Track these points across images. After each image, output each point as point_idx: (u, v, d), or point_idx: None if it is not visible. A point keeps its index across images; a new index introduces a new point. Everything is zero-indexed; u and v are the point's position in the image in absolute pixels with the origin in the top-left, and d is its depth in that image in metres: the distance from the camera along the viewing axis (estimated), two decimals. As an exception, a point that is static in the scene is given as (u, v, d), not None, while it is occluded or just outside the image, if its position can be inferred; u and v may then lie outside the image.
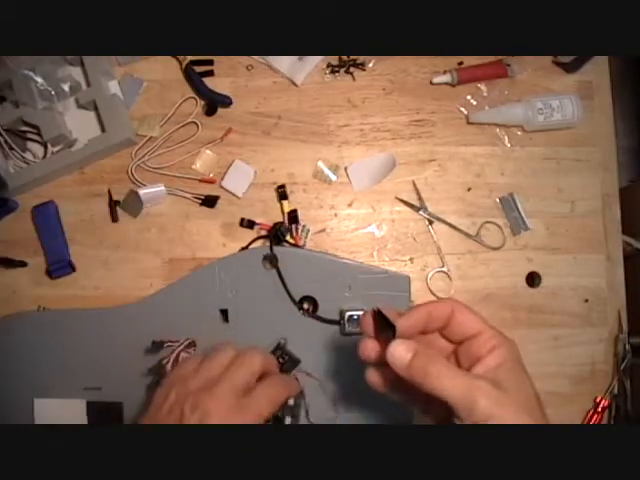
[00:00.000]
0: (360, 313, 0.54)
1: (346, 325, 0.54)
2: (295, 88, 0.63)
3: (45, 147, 0.60)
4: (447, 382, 0.33)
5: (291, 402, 0.51)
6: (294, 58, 0.62)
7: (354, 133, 0.62)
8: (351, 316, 0.54)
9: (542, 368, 0.59)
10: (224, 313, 0.56)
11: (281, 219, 0.60)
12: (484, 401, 0.33)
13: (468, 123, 0.62)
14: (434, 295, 0.60)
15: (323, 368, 0.55)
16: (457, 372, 0.34)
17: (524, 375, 0.36)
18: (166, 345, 0.53)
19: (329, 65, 0.63)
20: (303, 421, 0.53)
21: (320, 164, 0.61)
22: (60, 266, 0.59)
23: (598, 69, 0.63)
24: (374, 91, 0.63)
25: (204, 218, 0.61)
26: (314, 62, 0.62)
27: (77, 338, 0.57)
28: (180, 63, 0.62)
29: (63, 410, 0.56)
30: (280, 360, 0.54)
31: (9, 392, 0.56)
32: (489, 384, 0.33)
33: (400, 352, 0.34)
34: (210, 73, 0.62)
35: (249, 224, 0.60)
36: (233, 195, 0.61)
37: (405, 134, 0.62)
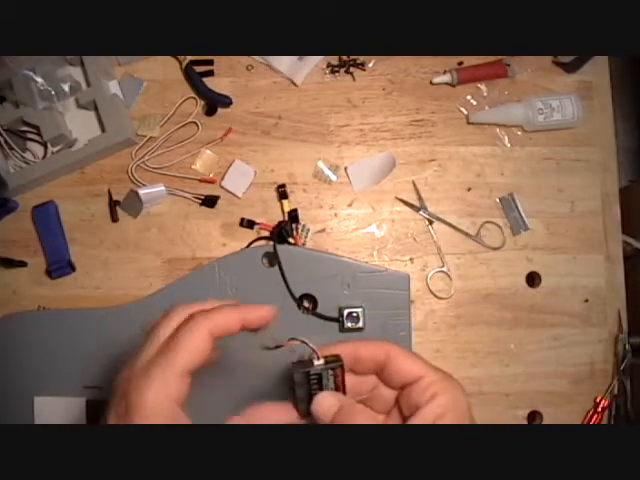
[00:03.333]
0: (360, 310, 0.55)
1: (345, 322, 0.55)
2: (295, 88, 0.63)
3: (45, 147, 0.60)
4: None
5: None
6: (294, 58, 0.62)
7: (354, 133, 0.62)
8: (350, 313, 0.55)
9: (542, 368, 0.59)
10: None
11: (281, 219, 0.60)
12: None
13: (468, 123, 0.62)
14: (434, 295, 0.60)
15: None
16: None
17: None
18: None
19: (329, 65, 0.63)
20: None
21: (320, 164, 0.61)
22: (60, 266, 0.59)
23: (598, 69, 0.63)
24: (374, 91, 0.63)
25: (204, 218, 0.61)
26: (314, 62, 0.62)
27: (77, 338, 0.57)
28: (180, 63, 0.62)
29: (63, 409, 0.56)
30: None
31: (9, 391, 0.57)
32: None
33: (325, 405, 0.33)
34: (210, 73, 0.62)
35: (249, 224, 0.60)
36: (233, 195, 0.61)
37: (405, 134, 0.62)
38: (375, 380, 0.36)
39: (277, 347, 0.36)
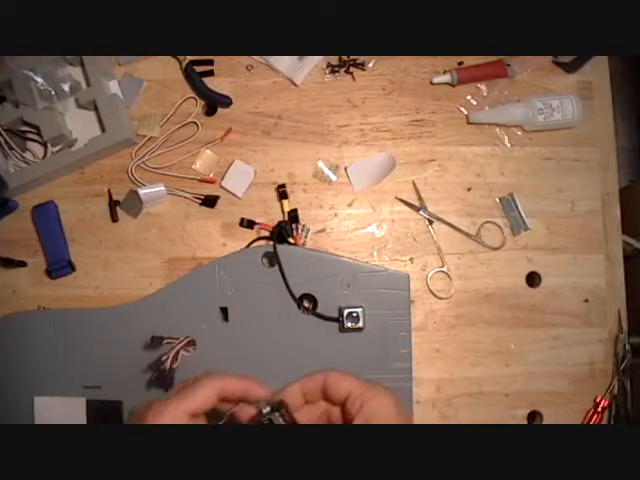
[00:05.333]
0: (360, 310, 0.55)
1: (345, 322, 0.55)
2: (295, 88, 0.63)
3: (45, 147, 0.60)
4: None
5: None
6: (294, 58, 0.62)
7: (354, 133, 0.62)
8: (350, 313, 0.55)
9: (542, 368, 0.59)
10: (224, 311, 0.56)
11: (281, 219, 0.60)
12: None
13: (468, 123, 0.62)
14: (434, 295, 0.60)
15: (322, 364, 0.55)
16: None
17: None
18: (165, 342, 0.53)
19: (329, 65, 0.63)
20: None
21: (320, 164, 0.61)
22: (60, 266, 0.59)
23: (598, 69, 0.63)
24: (374, 91, 0.63)
25: (204, 218, 0.61)
26: (314, 62, 0.62)
27: (77, 338, 0.57)
28: (180, 63, 0.62)
29: (63, 408, 0.56)
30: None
31: (9, 391, 0.57)
32: None
33: None
34: (210, 73, 0.62)
35: (249, 224, 0.60)
36: (233, 195, 0.61)
37: (405, 134, 0.62)
38: (325, 405, 0.42)
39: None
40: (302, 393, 0.42)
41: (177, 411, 0.40)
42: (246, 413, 0.42)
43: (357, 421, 0.39)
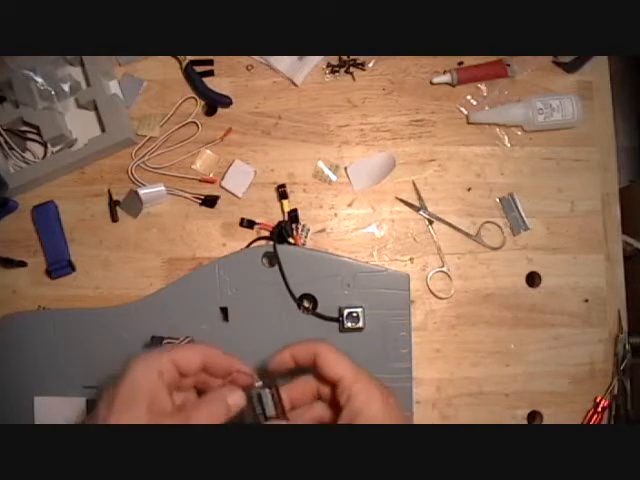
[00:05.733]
0: (360, 310, 0.55)
1: (345, 322, 0.55)
2: (295, 88, 0.63)
3: (45, 147, 0.60)
4: None
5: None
6: (294, 58, 0.62)
7: (354, 133, 0.62)
8: (350, 313, 0.55)
9: (542, 368, 0.59)
10: (224, 311, 0.56)
11: (281, 219, 0.60)
12: None
13: (468, 123, 0.62)
14: (434, 295, 0.60)
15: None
16: None
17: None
18: (165, 342, 0.53)
19: (329, 65, 0.63)
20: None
21: (320, 164, 0.61)
22: (60, 266, 0.59)
23: (598, 69, 0.63)
24: (374, 91, 0.63)
25: (204, 218, 0.61)
26: (314, 62, 0.62)
27: (77, 338, 0.57)
28: (180, 63, 0.62)
29: (63, 408, 0.56)
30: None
31: (9, 391, 0.57)
32: None
33: None
34: (210, 73, 0.62)
35: (249, 224, 0.60)
36: (233, 195, 0.61)
37: (405, 134, 0.62)
38: (316, 386, 0.43)
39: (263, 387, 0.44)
40: (292, 357, 0.43)
41: (162, 359, 0.39)
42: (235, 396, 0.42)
43: (342, 415, 0.39)
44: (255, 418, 0.43)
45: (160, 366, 0.39)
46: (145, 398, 0.38)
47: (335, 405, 0.42)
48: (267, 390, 0.42)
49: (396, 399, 0.41)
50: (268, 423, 0.42)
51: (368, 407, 0.39)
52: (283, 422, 0.42)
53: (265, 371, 0.45)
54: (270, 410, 0.42)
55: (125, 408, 0.37)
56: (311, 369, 0.43)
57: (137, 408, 0.37)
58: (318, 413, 0.44)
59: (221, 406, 0.40)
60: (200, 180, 0.61)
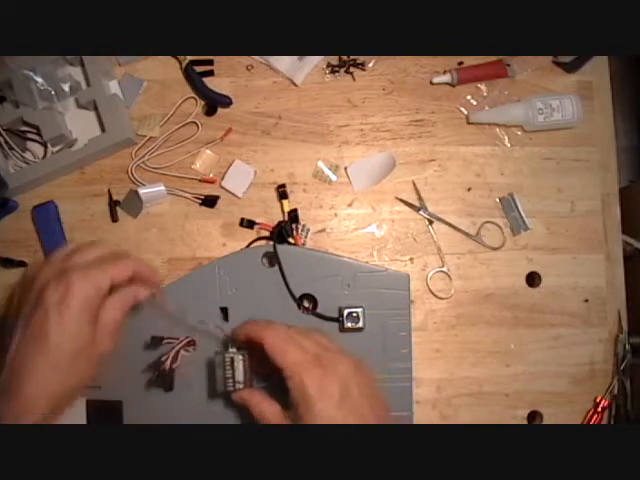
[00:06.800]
0: (360, 310, 0.55)
1: (345, 322, 0.55)
2: (295, 88, 0.63)
3: (45, 147, 0.60)
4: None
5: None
6: (294, 58, 0.62)
7: (354, 133, 0.62)
8: (350, 313, 0.55)
9: (542, 368, 0.59)
10: (224, 311, 0.56)
11: (281, 219, 0.60)
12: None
13: (468, 123, 0.62)
14: (434, 295, 0.60)
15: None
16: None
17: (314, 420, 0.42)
18: (165, 342, 0.53)
19: (329, 65, 0.63)
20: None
21: (320, 164, 0.61)
22: (60, 266, 0.59)
23: (598, 69, 0.63)
24: (374, 91, 0.63)
25: (204, 218, 0.61)
26: (314, 62, 0.62)
27: (77, 338, 0.56)
28: (180, 63, 0.62)
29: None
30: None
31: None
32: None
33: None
34: (210, 73, 0.62)
35: (249, 224, 0.60)
36: (233, 195, 0.61)
37: (405, 134, 0.62)
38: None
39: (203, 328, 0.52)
40: (246, 337, 0.47)
41: (100, 277, 0.44)
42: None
43: (290, 397, 0.43)
44: (225, 381, 0.47)
45: (99, 283, 0.44)
46: (88, 312, 0.43)
47: None
48: (240, 356, 0.47)
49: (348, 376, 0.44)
50: (235, 389, 0.47)
51: (303, 399, 0.42)
52: (245, 390, 0.47)
53: (236, 340, 0.49)
54: (239, 375, 0.47)
55: (74, 320, 0.42)
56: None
57: (82, 322, 0.43)
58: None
59: (129, 293, 0.47)
60: (200, 180, 0.61)
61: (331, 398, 0.42)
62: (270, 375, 0.50)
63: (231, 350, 0.48)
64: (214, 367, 0.48)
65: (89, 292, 0.43)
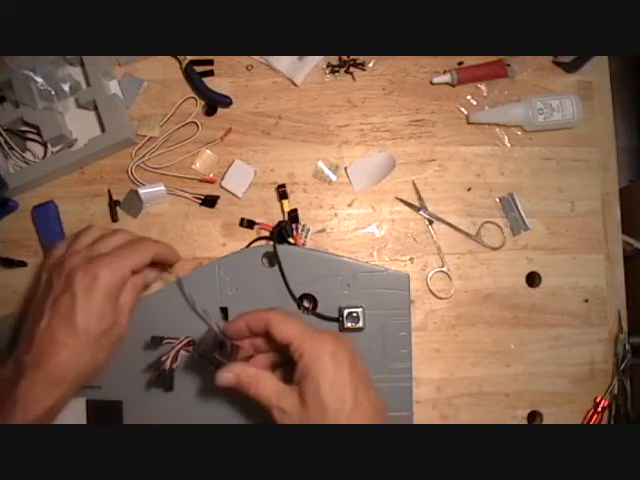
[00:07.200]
0: (360, 310, 0.55)
1: (345, 322, 0.55)
2: (295, 88, 0.63)
3: (45, 147, 0.60)
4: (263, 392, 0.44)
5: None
6: (294, 58, 0.62)
7: (354, 133, 0.62)
8: (350, 313, 0.55)
9: (542, 368, 0.59)
10: (224, 311, 0.56)
11: (281, 219, 0.60)
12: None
13: (468, 123, 0.62)
14: (434, 295, 0.60)
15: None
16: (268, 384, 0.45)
17: (325, 385, 0.42)
18: (165, 342, 0.53)
19: (329, 65, 0.63)
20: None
21: (320, 164, 0.61)
22: (60, 266, 0.59)
23: (598, 69, 0.63)
24: (374, 91, 0.63)
25: (204, 218, 0.61)
26: (314, 62, 0.62)
27: (77, 338, 0.56)
28: (180, 63, 0.62)
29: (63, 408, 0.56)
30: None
31: (9, 392, 0.56)
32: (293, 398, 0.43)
33: (225, 378, 0.46)
34: (210, 73, 0.62)
35: (249, 224, 0.60)
36: (233, 195, 0.61)
37: (405, 134, 0.62)
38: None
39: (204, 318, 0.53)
40: (246, 324, 0.47)
41: (125, 267, 0.48)
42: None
43: (297, 370, 0.43)
44: (211, 357, 0.47)
45: (122, 272, 0.48)
46: (111, 299, 0.47)
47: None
48: (230, 342, 0.48)
49: (352, 357, 0.45)
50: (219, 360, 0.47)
51: (315, 363, 0.42)
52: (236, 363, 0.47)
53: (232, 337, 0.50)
54: (224, 357, 0.47)
55: (99, 307, 0.46)
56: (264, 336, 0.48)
57: (107, 308, 0.47)
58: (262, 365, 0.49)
59: (140, 278, 0.52)
60: (200, 180, 0.61)
61: (343, 362, 0.43)
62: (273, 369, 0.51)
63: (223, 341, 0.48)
64: (201, 340, 0.50)
65: (114, 281, 0.47)
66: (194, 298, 0.55)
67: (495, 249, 0.61)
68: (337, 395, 0.42)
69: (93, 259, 0.47)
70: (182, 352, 0.53)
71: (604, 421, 0.59)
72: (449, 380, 0.59)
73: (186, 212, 0.61)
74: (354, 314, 0.55)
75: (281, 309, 0.48)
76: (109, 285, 0.47)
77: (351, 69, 0.63)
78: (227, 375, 0.46)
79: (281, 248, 0.57)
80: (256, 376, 0.45)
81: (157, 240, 0.54)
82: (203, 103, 0.62)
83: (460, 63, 0.63)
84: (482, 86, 0.63)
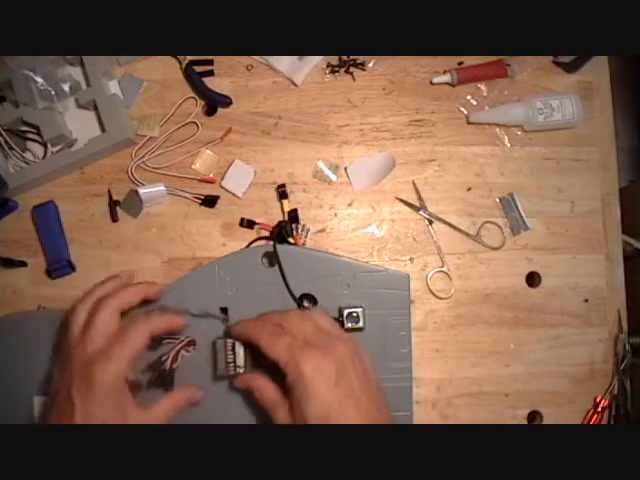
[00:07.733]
0: (360, 310, 0.55)
1: (345, 322, 0.55)
2: (295, 88, 0.63)
3: (45, 147, 0.60)
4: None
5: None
6: (294, 58, 0.62)
7: (354, 133, 0.62)
8: (350, 313, 0.55)
9: (542, 368, 0.59)
10: (224, 311, 0.56)
11: (281, 219, 0.60)
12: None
13: (468, 123, 0.62)
14: (434, 295, 0.60)
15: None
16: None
17: (307, 405, 0.42)
18: (165, 342, 0.53)
19: (329, 65, 0.63)
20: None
21: (320, 164, 0.61)
22: (60, 266, 0.59)
23: (598, 69, 0.63)
24: (374, 91, 0.63)
25: (204, 218, 0.61)
26: (314, 62, 0.62)
27: (77, 338, 0.56)
28: (180, 63, 0.62)
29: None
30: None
31: (9, 390, 0.56)
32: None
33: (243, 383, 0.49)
34: (210, 73, 0.62)
35: (249, 224, 0.60)
36: (233, 195, 0.61)
37: (405, 134, 0.62)
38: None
39: (205, 315, 0.53)
40: (241, 336, 0.49)
41: (112, 305, 0.48)
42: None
43: (286, 386, 0.44)
44: (226, 365, 0.49)
45: (114, 312, 0.47)
46: (112, 395, 0.45)
47: None
48: (240, 343, 0.50)
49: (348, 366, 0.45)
50: (236, 372, 0.49)
51: (297, 383, 0.43)
52: (247, 374, 0.49)
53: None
54: (240, 360, 0.49)
55: (99, 409, 0.44)
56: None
57: (107, 406, 0.45)
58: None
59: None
60: (200, 180, 0.61)
61: (328, 378, 0.42)
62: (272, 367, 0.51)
63: (231, 339, 0.50)
64: (216, 352, 0.50)
65: (110, 382, 0.45)
66: (193, 299, 0.55)
67: (495, 249, 0.61)
68: (320, 415, 0.41)
69: (86, 364, 0.45)
70: (182, 352, 0.53)
71: (604, 421, 0.59)
72: (449, 380, 0.59)
73: (186, 212, 0.61)
74: (354, 314, 0.55)
75: (273, 317, 0.49)
76: (106, 387, 0.44)
77: (351, 69, 0.63)
78: (237, 383, 0.49)
79: (281, 248, 0.57)
80: (259, 385, 0.47)
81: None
82: (203, 103, 0.62)
83: (460, 63, 0.63)
84: (482, 86, 0.63)
